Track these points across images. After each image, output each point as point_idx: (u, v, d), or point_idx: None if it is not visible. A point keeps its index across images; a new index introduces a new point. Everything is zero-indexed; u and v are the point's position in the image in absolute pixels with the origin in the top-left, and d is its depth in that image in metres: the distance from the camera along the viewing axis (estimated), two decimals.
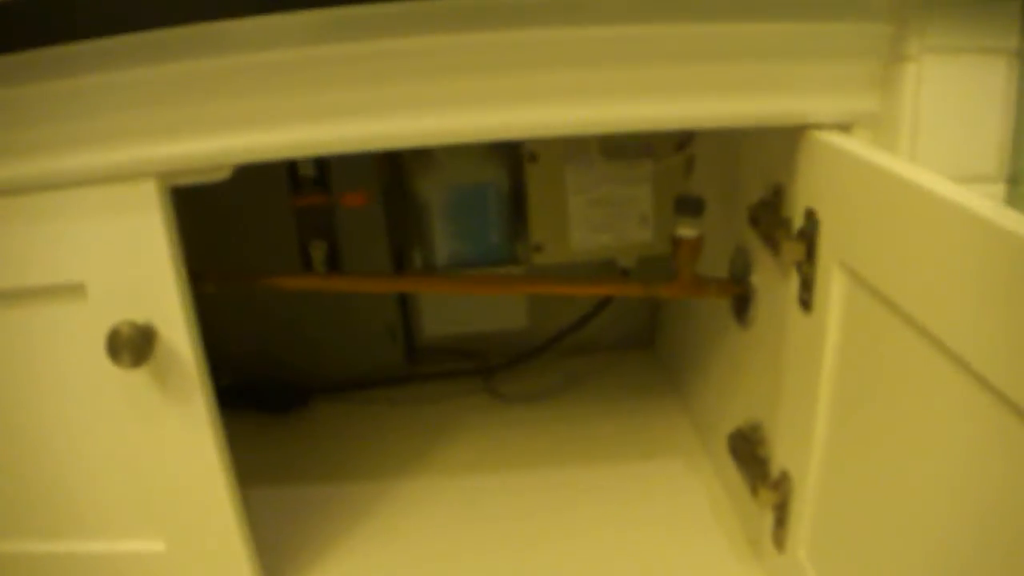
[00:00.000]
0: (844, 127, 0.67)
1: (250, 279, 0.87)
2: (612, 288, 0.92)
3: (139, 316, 0.68)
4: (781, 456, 0.76)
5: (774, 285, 0.78)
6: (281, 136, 0.64)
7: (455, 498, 0.98)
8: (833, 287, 0.63)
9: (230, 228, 1.11)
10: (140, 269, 0.67)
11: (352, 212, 1.13)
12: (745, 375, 0.89)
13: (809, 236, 0.67)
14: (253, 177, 1.08)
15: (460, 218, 1.08)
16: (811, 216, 0.66)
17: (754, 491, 0.79)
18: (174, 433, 0.71)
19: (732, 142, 0.89)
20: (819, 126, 0.67)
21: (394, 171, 1.15)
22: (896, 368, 0.56)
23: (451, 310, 1.21)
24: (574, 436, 1.09)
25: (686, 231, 0.85)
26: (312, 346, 1.19)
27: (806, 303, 0.68)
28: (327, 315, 1.18)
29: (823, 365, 0.66)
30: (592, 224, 1.06)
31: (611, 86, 0.64)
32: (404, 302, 1.22)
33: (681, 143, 1.03)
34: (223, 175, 0.67)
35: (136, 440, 0.72)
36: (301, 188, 1.12)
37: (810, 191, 0.67)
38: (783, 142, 0.72)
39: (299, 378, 1.19)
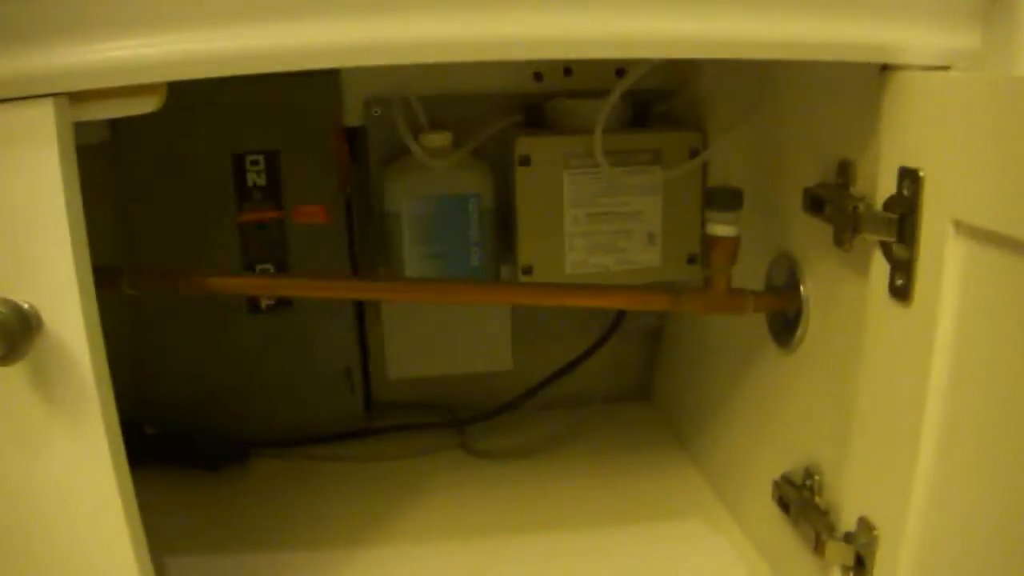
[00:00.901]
0: (938, 70, 0.53)
1: (174, 279, 0.69)
2: (630, 299, 0.76)
3: (20, 296, 0.50)
4: (857, 501, 0.60)
5: (840, 287, 0.63)
6: (231, 40, 0.47)
7: (423, 570, 0.80)
8: (947, 258, 0.49)
9: (163, 248, 0.94)
10: (24, 232, 0.50)
11: (307, 230, 0.96)
12: (790, 410, 0.73)
13: (907, 203, 0.52)
14: (194, 185, 0.95)
15: (435, 235, 0.92)
16: (909, 176, 0.52)
17: (818, 547, 0.63)
18: (59, 459, 0.52)
19: (765, 130, 0.76)
20: (906, 67, 0.53)
21: (359, 181, 0.99)
22: None
23: (421, 349, 1.03)
24: (565, 496, 0.91)
25: (722, 229, 0.70)
26: (254, 392, 1.00)
27: (902, 291, 0.53)
28: (273, 354, 1.00)
29: (931, 366, 0.50)
30: (591, 243, 0.91)
31: None
32: (364, 340, 1.05)
33: (694, 150, 0.89)
34: (151, 104, 0.50)
35: (7, 467, 0.53)
36: (249, 200, 0.95)
37: (906, 147, 0.53)
38: (852, 104, 0.59)
39: (238, 429, 0.99)
